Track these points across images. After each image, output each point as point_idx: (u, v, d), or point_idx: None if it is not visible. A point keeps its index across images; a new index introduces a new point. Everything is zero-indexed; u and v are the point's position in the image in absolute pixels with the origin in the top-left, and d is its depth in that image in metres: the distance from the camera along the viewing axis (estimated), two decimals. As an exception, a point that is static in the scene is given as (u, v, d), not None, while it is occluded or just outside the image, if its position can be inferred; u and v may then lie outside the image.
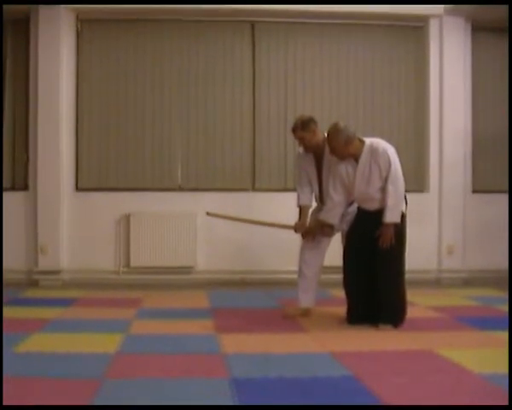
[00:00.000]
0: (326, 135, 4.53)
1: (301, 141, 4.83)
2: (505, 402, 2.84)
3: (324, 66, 7.21)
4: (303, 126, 4.76)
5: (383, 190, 4.42)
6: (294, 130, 4.82)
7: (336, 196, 4.59)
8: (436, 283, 7.06)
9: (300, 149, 4.98)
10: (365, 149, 4.43)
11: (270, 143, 7.13)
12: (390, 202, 4.37)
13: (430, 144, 7.22)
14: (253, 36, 7.12)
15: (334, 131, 4.44)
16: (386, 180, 4.39)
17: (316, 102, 7.12)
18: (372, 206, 4.53)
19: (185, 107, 7.08)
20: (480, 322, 4.77)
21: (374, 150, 4.41)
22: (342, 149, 4.42)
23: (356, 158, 4.46)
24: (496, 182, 7.30)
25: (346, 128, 4.43)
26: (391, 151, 4.43)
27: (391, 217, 4.39)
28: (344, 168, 4.52)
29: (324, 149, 4.77)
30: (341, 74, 7.22)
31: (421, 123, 7.28)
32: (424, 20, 7.20)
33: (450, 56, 7.15)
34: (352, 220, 4.70)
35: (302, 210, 4.99)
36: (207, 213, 5.49)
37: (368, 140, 4.48)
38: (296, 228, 4.99)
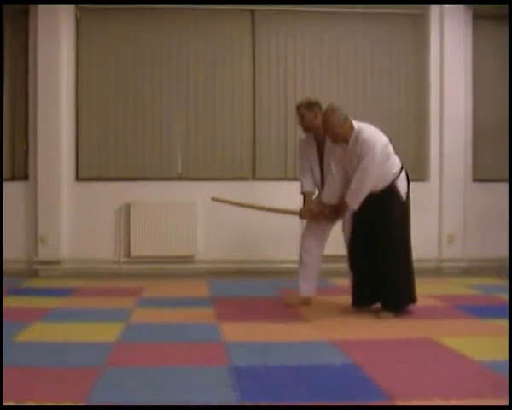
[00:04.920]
0: (322, 115, 4.52)
1: (301, 119, 4.87)
2: (505, 390, 2.84)
3: (324, 53, 7.17)
4: (307, 105, 4.83)
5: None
6: (299, 106, 4.88)
7: (338, 177, 4.61)
8: (436, 271, 7.05)
9: (303, 136, 4.99)
10: (353, 133, 4.43)
11: (271, 132, 7.10)
12: (352, 185, 4.40)
13: (430, 133, 7.20)
14: (252, 24, 7.07)
15: (333, 109, 4.46)
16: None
17: (315, 91, 7.04)
18: None
19: (185, 96, 7.06)
20: (479, 310, 4.77)
21: (356, 137, 4.40)
22: (340, 127, 4.41)
23: (347, 142, 4.47)
24: (496, 171, 7.27)
25: (341, 109, 4.48)
26: (373, 142, 4.35)
27: (349, 200, 4.45)
28: (339, 151, 4.56)
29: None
30: (341, 62, 7.19)
31: (422, 112, 7.26)
32: (424, 7, 7.16)
33: (451, 44, 7.11)
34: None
35: (306, 197, 5.00)
36: (212, 199, 5.44)
37: (357, 125, 4.47)
38: (301, 213, 5.01)
